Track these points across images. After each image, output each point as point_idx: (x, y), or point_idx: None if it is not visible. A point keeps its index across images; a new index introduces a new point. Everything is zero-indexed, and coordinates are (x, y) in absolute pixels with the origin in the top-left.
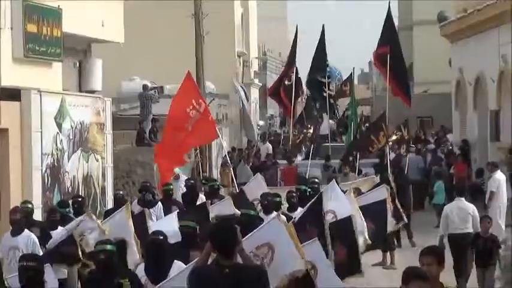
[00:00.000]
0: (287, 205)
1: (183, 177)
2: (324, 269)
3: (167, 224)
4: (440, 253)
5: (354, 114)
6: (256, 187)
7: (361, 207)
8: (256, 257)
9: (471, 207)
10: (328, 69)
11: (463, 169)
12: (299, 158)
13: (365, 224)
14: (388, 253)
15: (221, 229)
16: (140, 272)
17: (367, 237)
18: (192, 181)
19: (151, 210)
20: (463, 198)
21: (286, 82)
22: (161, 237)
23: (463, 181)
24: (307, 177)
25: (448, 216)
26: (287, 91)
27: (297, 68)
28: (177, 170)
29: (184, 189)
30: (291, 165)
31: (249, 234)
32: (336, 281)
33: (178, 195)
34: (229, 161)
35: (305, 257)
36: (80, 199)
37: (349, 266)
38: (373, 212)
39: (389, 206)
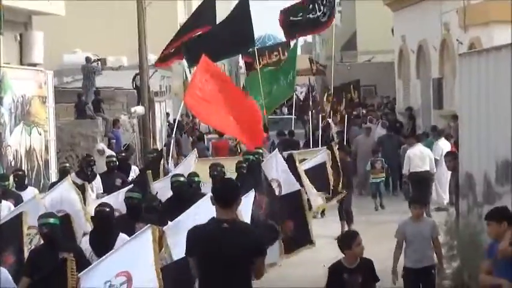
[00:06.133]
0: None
1: (108, 152)
2: None
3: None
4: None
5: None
6: (188, 163)
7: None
8: None
9: (428, 151)
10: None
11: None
12: None
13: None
14: (345, 222)
15: (223, 183)
16: (85, 244)
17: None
18: (123, 154)
19: (92, 183)
20: (420, 144)
21: None
22: (108, 209)
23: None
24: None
25: (409, 157)
26: None
27: None
28: (101, 145)
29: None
30: (221, 137)
31: (185, 212)
32: None
33: (101, 171)
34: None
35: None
36: (20, 172)
37: (298, 239)
38: (314, 174)
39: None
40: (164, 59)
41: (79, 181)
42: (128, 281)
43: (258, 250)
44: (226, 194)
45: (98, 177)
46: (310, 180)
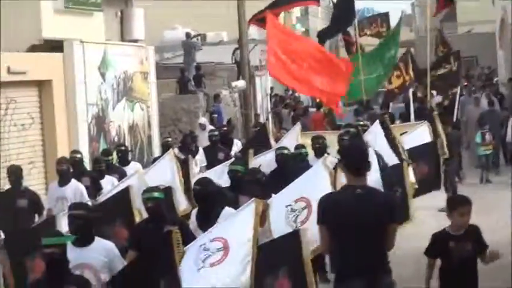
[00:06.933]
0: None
1: (209, 127)
2: None
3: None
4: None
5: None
6: (292, 136)
7: (409, 150)
8: (292, 212)
9: None
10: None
11: None
12: None
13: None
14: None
15: (354, 148)
16: (192, 217)
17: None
18: (226, 128)
19: (196, 157)
20: None
21: None
22: (199, 187)
23: None
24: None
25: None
26: None
27: None
28: (203, 119)
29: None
30: (319, 110)
31: (291, 185)
32: None
33: (203, 145)
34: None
35: None
36: (123, 148)
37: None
38: (423, 154)
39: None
40: (258, 20)
41: (182, 156)
42: (224, 248)
43: (392, 216)
44: (357, 160)
45: (201, 151)
46: (420, 163)
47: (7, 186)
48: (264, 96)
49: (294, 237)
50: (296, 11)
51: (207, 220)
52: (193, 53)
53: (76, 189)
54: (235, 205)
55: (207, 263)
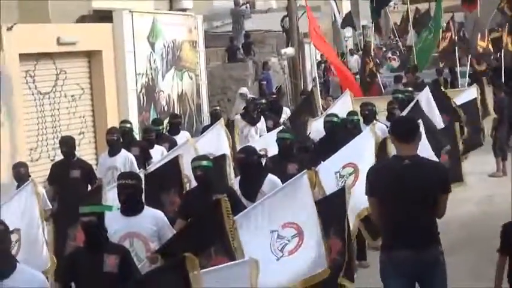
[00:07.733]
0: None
1: (251, 96)
2: None
3: None
4: None
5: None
6: (344, 102)
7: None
8: (341, 178)
9: None
10: None
11: None
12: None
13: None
14: (500, 159)
15: (403, 118)
16: (236, 184)
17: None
18: (274, 96)
19: (257, 125)
20: None
21: None
22: (242, 155)
23: None
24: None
25: None
26: None
27: None
28: (244, 89)
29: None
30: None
31: (339, 152)
32: None
33: None
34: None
35: None
36: (177, 118)
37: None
38: (465, 112)
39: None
40: None
41: (243, 124)
42: (299, 234)
43: (442, 187)
44: (406, 130)
45: (262, 119)
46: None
47: (57, 157)
48: (313, 63)
49: (340, 195)
50: None
51: (250, 188)
52: (242, 21)
53: (126, 159)
54: (284, 173)
55: (285, 252)
